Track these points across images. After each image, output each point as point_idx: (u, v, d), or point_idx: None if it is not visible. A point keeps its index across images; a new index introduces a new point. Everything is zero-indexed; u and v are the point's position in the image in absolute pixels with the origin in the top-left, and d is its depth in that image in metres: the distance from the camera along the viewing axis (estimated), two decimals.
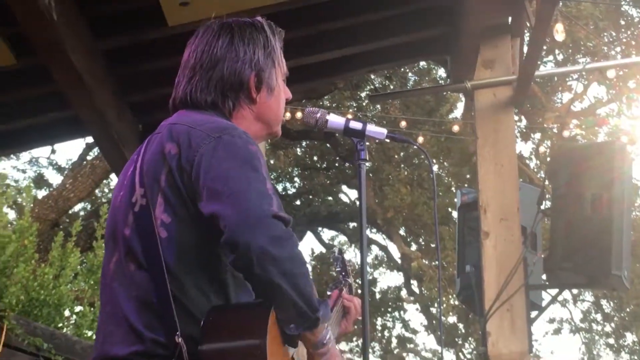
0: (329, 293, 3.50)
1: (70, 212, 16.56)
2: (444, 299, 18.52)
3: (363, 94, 18.54)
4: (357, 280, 3.43)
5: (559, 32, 7.43)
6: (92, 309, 10.03)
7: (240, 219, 2.53)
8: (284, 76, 3.12)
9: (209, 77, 2.96)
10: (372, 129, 3.17)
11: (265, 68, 3.00)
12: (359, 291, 3.13)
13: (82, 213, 18.51)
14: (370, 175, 18.64)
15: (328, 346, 2.72)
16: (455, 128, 14.32)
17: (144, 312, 2.66)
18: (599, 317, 21.01)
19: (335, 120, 3.19)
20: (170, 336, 2.57)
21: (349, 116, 4.10)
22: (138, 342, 2.64)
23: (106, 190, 19.69)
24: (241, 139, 2.74)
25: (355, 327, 3.47)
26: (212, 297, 2.68)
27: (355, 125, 3.17)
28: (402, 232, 20.45)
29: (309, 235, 22.38)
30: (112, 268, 2.80)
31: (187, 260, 2.68)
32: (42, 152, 26.15)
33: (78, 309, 10.32)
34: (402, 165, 19.56)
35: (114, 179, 17.28)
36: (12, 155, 19.18)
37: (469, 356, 21.51)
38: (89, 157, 17.70)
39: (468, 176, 17.02)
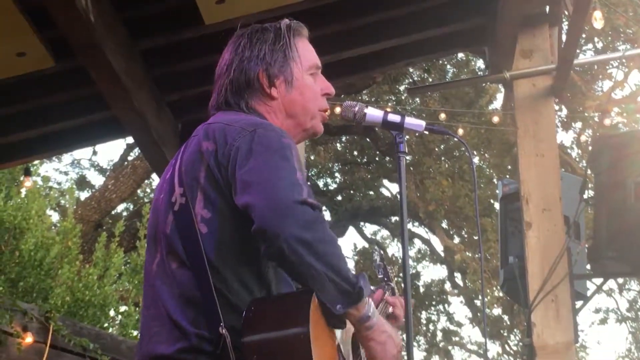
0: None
1: (112, 212, 16.68)
2: (488, 291, 18.46)
3: (402, 88, 18.48)
4: (400, 275, 3.42)
5: (598, 20, 7.36)
6: (136, 308, 10.13)
7: (268, 207, 2.57)
8: (311, 70, 3.12)
9: (223, 82, 3.04)
10: (410, 121, 3.15)
11: (273, 63, 3.02)
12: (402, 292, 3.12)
13: (124, 213, 18.61)
14: (411, 168, 18.58)
15: (373, 319, 2.71)
16: (495, 119, 14.24)
17: (187, 309, 2.68)
18: None
19: (373, 113, 3.17)
20: (215, 330, 2.59)
21: (387, 109, 4.08)
22: (182, 338, 2.66)
23: (148, 190, 19.78)
24: (275, 132, 2.78)
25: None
26: (254, 290, 2.71)
27: (394, 117, 3.15)
28: (444, 225, 20.37)
29: (351, 230, 22.38)
30: (155, 269, 2.83)
31: (228, 255, 2.71)
32: (83, 154, 26.26)
33: (123, 308, 10.42)
34: (443, 158, 19.49)
35: (155, 179, 17.36)
36: (54, 158, 19.36)
37: (514, 348, 21.39)
38: (129, 158, 17.79)
39: (509, 167, 16.94)
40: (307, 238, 2.53)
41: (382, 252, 3.67)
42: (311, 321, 2.51)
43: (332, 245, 2.59)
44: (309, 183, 2.79)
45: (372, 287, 3.50)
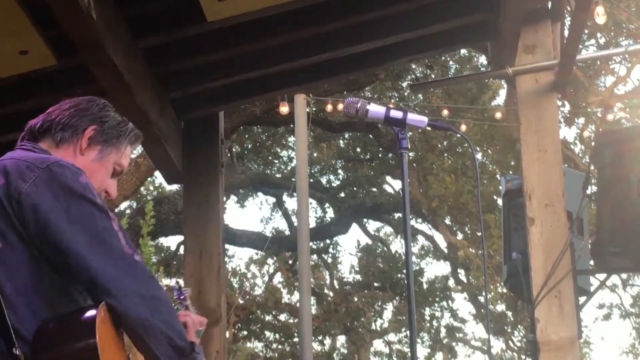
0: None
1: (116, 210, 16.67)
2: (491, 287, 18.46)
3: (404, 84, 18.48)
4: (403, 271, 3.42)
5: (600, 15, 7.36)
6: None
7: (109, 269, 2.67)
8: (118, 167, 3.22)
9: (59, 112, 3.26)
10: (412, 117, 3.16)
11: (106, 133, 3.20)
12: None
13: (128, 211, 18.63)
14: (414, 165, 18.59)
15: None
16: (498, 115, 14.27)
17: None
18: None
19: (375, 109, 3.18)
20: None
21: (390, 105, 4.09)
22: None
23: (151, 187, 19.83)
24: (70, 170, 2.85)
25: (403, 317, 3.47)
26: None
27: (396, 114, 3.16)
28: (447, 221, 20.37)
29: (355, 227, 22.39)
30: None
31: (19, 284, 2.72)
32: None
33: None
34: (446, 154, 19.50)
35: (158, 177, 17.44)
36: None
37: (518, 344, 21.43)
38: (132, 156, 17.78)
39: (512, 163, 16.95)
40: (146, 294, 2.67)
41: (179, 282, 3.80)
42: (98, 332, 2.59)
43: (164, 302, 2.74)
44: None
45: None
